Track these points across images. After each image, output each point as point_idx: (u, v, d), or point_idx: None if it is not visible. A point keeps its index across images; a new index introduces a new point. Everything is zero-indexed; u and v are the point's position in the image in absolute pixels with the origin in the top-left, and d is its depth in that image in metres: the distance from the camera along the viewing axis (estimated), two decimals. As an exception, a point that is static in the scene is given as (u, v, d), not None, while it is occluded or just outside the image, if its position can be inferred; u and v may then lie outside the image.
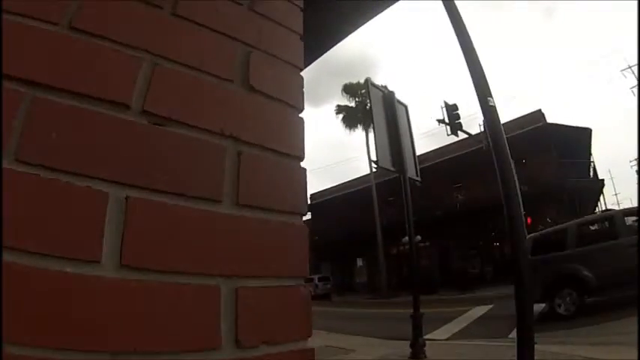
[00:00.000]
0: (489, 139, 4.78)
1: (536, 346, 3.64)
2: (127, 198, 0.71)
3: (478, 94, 4.37)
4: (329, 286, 34.06)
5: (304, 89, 1.03)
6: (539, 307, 10.67)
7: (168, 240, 0.73)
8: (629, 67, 43.53)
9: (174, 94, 0.82)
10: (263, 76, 0.96)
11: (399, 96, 7.97)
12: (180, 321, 0.71)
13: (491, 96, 4.33)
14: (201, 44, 0.90)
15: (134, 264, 0.69)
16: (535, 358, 3.44)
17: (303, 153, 0.99)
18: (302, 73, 1.05)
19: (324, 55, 3.49)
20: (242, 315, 0.78)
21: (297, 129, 1.00)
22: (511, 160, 4.46)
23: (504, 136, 4.31)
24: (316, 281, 33.38)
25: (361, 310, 21.97)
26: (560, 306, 10.14)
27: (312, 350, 0.87)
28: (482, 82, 4.38)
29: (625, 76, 47.96)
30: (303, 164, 0.97)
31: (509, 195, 4.06)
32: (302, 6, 1.14)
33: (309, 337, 0.88)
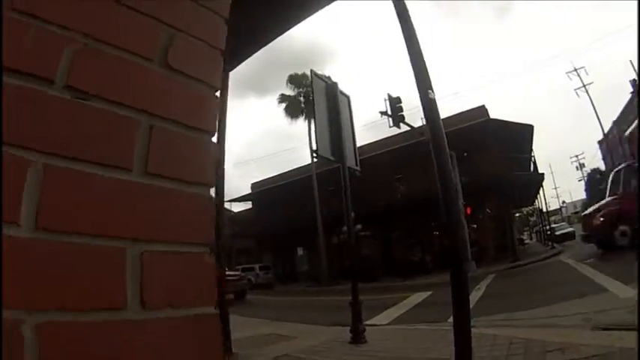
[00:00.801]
0: (428, 130, 4.87)
1: (474, 329, 3.79)
2: (44, 165, 0.75)
3: (418, 86, 4.42)
4: (270, 275, 33.86)
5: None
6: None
7: (81, 205, 0.79)
8: (575, 70, 46.47)
9: (98, 71, 0.88)
10: (182, 56, 1.02)
11: (343, 87, 8.05)
12: (88, 280, 0.76)
13: (431, 89, 4.42)
14: (127, 26, 0.95)
15: (48, 226, 0.74)
16: (473, 341, 3.57)
17: (214, 127, 1.06)
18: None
19: (273, 47, 3.46)
20: (147, 277, 0.84)
21: (209, 105, 1.07)
22: (450, 152, 4.58)
23: (442, 128, 4.37)
24: (257, 270, 33.11)
25: (303, 299, 22.05)
26: None
27: (216, 316, 0.94)
28: (424, 73, 4.44)
29: (570, 78, 50.81)
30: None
31: (446, 184, 4.16)
32: None
33: (214, 303, 0.94)
